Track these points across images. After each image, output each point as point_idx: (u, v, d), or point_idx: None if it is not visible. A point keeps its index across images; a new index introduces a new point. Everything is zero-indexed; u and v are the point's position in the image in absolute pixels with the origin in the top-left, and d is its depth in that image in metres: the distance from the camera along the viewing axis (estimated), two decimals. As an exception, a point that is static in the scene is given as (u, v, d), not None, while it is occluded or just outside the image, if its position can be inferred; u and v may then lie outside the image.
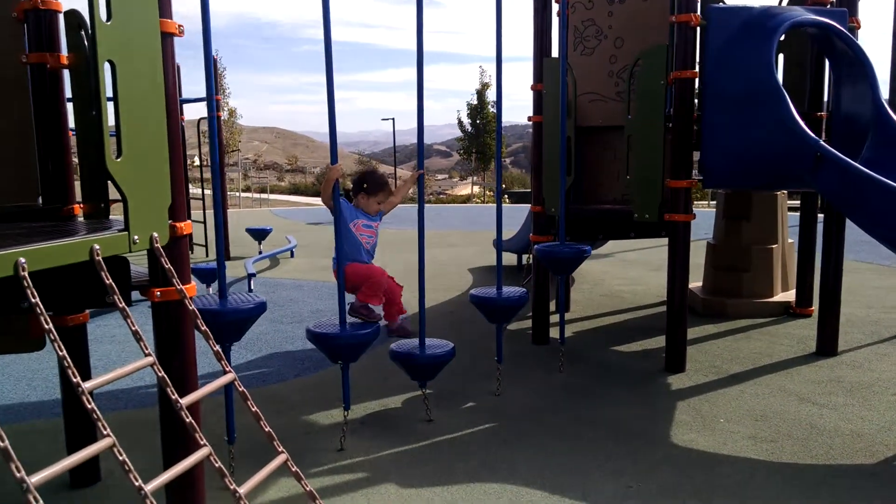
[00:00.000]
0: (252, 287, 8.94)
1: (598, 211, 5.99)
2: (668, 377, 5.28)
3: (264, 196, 34.03)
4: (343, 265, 4.31)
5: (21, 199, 3.60)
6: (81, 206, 3.61)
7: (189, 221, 2.97)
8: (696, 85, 5.20)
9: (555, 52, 5.96)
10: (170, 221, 2.78)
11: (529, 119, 6.17)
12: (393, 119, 51.21)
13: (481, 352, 5.86)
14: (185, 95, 11.91)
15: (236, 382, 2.60)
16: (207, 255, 11.63)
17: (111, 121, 2.50)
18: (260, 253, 11.27)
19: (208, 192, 12.49)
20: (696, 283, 7.75)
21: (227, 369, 2.61)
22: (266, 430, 2.66)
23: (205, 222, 11.66)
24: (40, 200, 3.64)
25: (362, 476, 3.82)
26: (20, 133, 3.56)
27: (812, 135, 4.56)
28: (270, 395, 5.14)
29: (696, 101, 5.22)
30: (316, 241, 13.61)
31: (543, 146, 6.03)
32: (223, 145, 32.48)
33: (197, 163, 12.17)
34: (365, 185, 4.46)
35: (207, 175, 12.75)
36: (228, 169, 30.29)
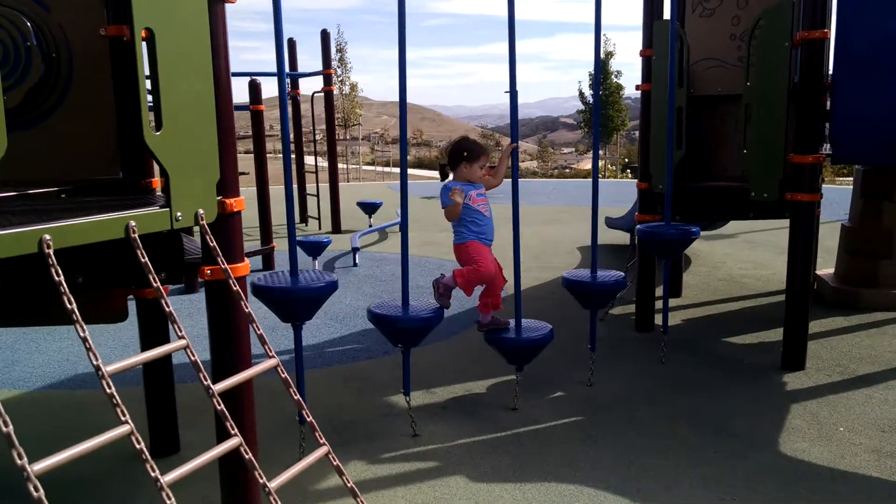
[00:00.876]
0: (357, 261, 8.97)
1: (710, 188, 5.46)
2: (785, 375, 4.75)
3: (387, 170, 34.60)
4: (466, 241, 4.13)
5: (102, 173, 3.63)
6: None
7: (241, 198, 2.85)
8: (828, 47, 4.57)
9: (667, 14, 5.44)
10: (219, 198, 2.67)
11: (637, 88, 5.71)
12: (516, 91, 50.55)
13: (583, 336, 5.51)
14: (301, 69, 12.10)
15: (279, 368, 2.47)
16: (320, 228, 11.82)
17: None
18: (370, 226, 11.33)
19: (323, 163, 12.70)
20: (827, 269, 7.01)
21: (271, 354, 2.48)
22: (308, 419, 2.51)
23: (318, 195, 11.85)
24: (120, 174, 3.66)
25: (433, 465, 3.65)
26: (101, 107, 3.57)
27: (968, 102, 3.90)
28: (354, 373, 5.07)
29: (826, 65, 4.60)
30: (427, 215, 13.54)
31: (652, 117, 5.56)
32: (345, 119, 33.36)
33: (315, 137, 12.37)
34: (465, 154, 4.12)
35: (323, 148, 12.95)
36: (350, 143, 31.00)
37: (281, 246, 9.39)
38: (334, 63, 33.02)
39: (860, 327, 5.78)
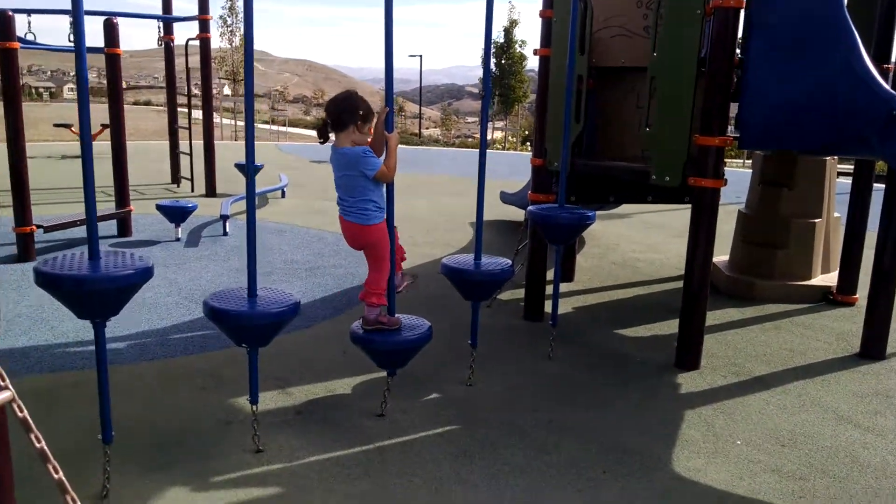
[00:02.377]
0: (227, 230, 8.10)
1: (609, 168, 5.00)
2: (679, 375, 4.38)
3: (283, 129, 33.01)
4: (374, 222, 3.47)
5: None
6: None
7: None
8: (742, 18, 4.14)
9: (571, -28, 4.89)
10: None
11: (535, 53, 5.16)
12: (420, 56, 49.71)
13: (468, 329, 4.98)
14: (175, 13, 10.91)
15: (15, 404, 1.74)
16: (193, 191, 10.77)
17: None
18: (250, 191, 10.40)
19: (198, 117, 11.58)
20: (721, 256, 6.77)
21: (4, 383, 1.74)
22: (38, 446, 1.79)
23: (191, 154, 10.77)
24: None
25: (274, 493, 3.01)
26: None
27: (888, 88, 3.55)
28: (203, 366, 4.34)
29: (738, 39, 4.18)
30: (314, 180, 12.70)
31: (550, 86, 5.03)
32: (234, 73, 31.43)
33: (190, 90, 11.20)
34: (361, 112, 3.39)
35: (199, 102, 11.81)
36: (239, 100, 29.18)
37: (141, 209, 8.40)
38: (224, 13, 31.25)
39: (755, 320, 5.52)
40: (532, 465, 3.27)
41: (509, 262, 4.08)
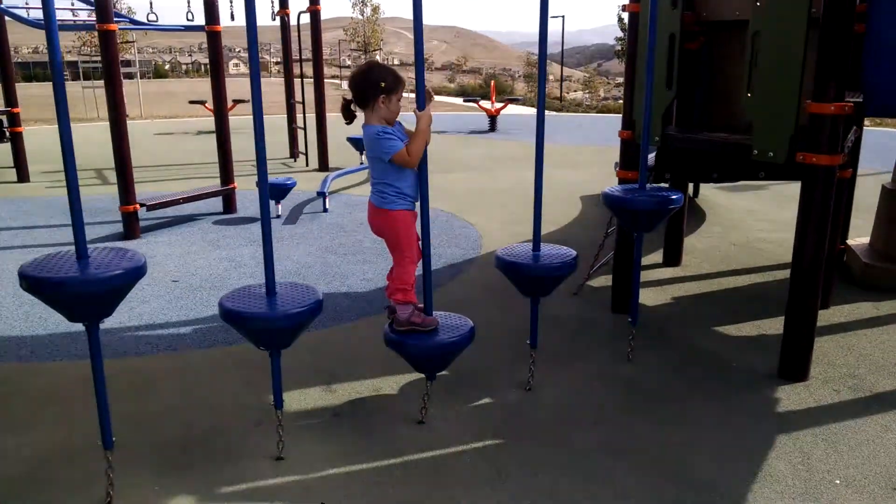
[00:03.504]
0: (327, 206, 8.02)
1: (704, 142, 4.29)
2: (781, 387, 3.71)
3: (411, 95, 33.12)
4: (395, 208, 3.15)
5: None
6: None
7: None
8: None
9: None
10: None
11: (624, 8, 4.52)
12: (563, 17, 48.09)
13: (550, 318, 4.50)
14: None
15: None
16: (307, 165, 10.84)
17: None
18: (361, 164, 10.32)
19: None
20: (861, 238, 5.81)
21: None
22: None
23: (304, 128, 10.82)
24: None
25: (279, 510, 2.77)
26: None
27: None
28: (257, 357, 4.18)
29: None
30: (432, 151, 12.48)
31: (639, 46, 4.39)
32: (365, 44, 31.74)
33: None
34: (382, 84, 3.06)
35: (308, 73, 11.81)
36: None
37: (244, 185, 8.50)
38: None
39: (891, 319, 4.64)
40: (574, 497, 2.82)
41: (573, 252, 3.57)
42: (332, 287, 5.41)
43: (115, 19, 8.66)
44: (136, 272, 2.62)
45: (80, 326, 2.70)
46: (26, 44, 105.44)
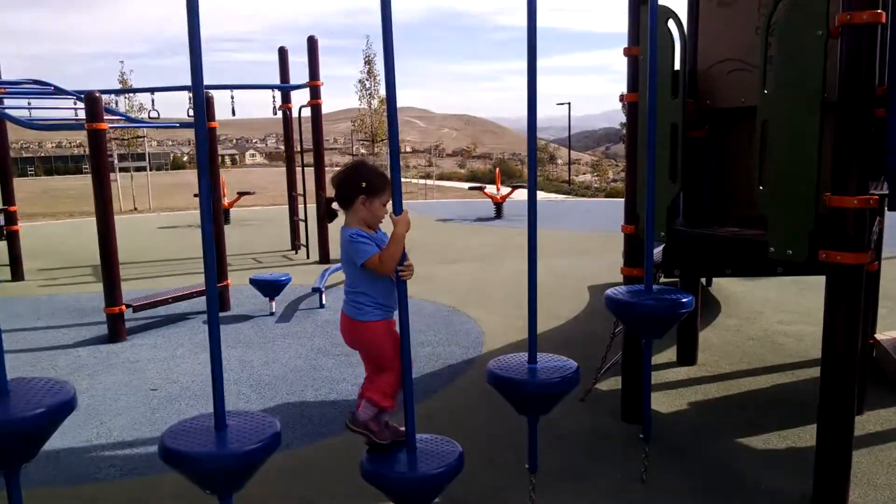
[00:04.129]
0: (324, 303, 7.69)
1: (719, 239, 3.96)
2: (817, 516, 3.24)
3: (437, 183, 33.61)
4: (373, 319, 2.85)
5: None
6: None
7: None
8: (883, 34, 3.08)
9: (660, -1, 4.02)
10: None
11: (621, 98, 4.29)
12: (569, 104, 49.10)
13: (559, 430, 4.10)
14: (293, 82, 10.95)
15: None
16: (308, 258, 10.61)
17: None
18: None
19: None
20: (891, 332, 5.39)
21: None
22: None
23: (305, 219, 10.63)
24: None
25: None
26: None
27: None
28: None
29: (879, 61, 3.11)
30: (430, 243, 12.22)
31: (639, 139, 4.13)
32: (372, 135, 32.27)
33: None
34: (364, 184, 2.82)
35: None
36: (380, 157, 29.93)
37: (237, 280, 8.20)
38: (363, 75, 32.42)
39: (935, 427, 4.18)
40: None
41: (574, 364, 3.19)
42: (320, 394, 5.02)
43: (113, 117, 8.65)
44: (61, 410, 2.26)
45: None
46: (50, 139, 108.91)
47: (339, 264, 8.98)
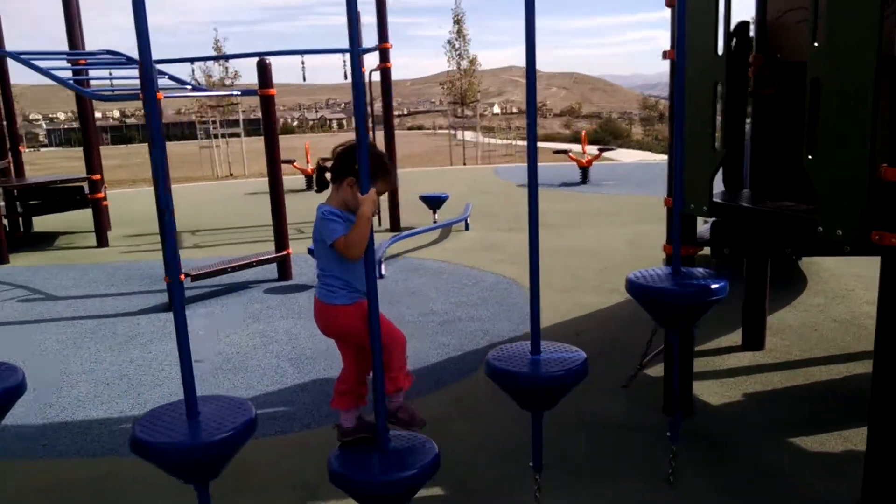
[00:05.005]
0: (383, 272, 7.58)
1: (761, 213, 3.48)
2: (863, 535, 2.83)
3: (517, 143, 32.37)
4: (353, 301, 2.75)
5: None
6: None
7: None
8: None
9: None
10: None
11: (665, 56, 3.83)
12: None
13: (592, 419, 3.82)
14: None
15: None
16: (380, 225, 10.53)
17: None
18: (434, 223, 9.89)
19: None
20: None
21: None
22: None
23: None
24: None
25: None
26: None
27: None
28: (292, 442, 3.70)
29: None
30: (509, 208, 11.88)
31: (686, 99, 3.69)
32: (462, 96, 31.79)
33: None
34: (356, 167, 2.56)
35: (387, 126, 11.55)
36: (463, 122, 29.49)
37: (297, 248, 8.20)
38: (451, 36, 32.07)
39: None
40: None
41: (582, 355, 2.88)
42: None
43: (169, 84, 8.75)
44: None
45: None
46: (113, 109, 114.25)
47: (399, 234, 8.89)
